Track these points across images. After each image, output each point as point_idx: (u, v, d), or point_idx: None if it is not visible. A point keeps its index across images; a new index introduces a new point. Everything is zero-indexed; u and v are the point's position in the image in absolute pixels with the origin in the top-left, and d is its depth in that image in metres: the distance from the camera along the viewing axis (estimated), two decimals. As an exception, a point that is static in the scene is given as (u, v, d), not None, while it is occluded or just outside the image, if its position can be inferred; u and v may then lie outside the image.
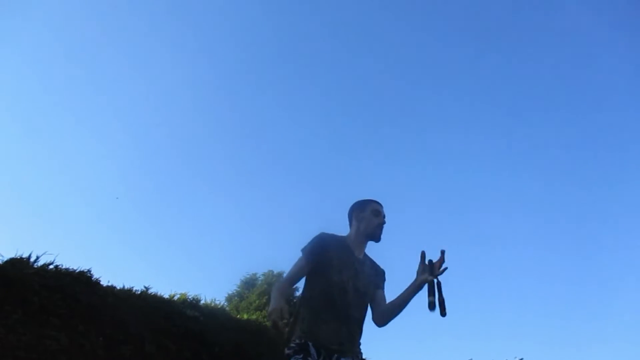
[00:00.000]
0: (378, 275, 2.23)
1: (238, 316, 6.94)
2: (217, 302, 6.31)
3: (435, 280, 1.91)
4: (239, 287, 20.62)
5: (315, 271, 2.07)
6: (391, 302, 2.11)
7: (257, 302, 18.19)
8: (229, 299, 18.38)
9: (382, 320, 2.12)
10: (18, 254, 3.83)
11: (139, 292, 4.48)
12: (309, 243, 2.13)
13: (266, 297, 18.42)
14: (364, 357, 2.11)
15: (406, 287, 2.04)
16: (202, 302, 5.33)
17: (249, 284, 20.39)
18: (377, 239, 2.21)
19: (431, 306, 1.86)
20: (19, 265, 3.70)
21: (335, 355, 1.96)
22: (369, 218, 2.20)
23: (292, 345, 1.98)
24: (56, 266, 3.97)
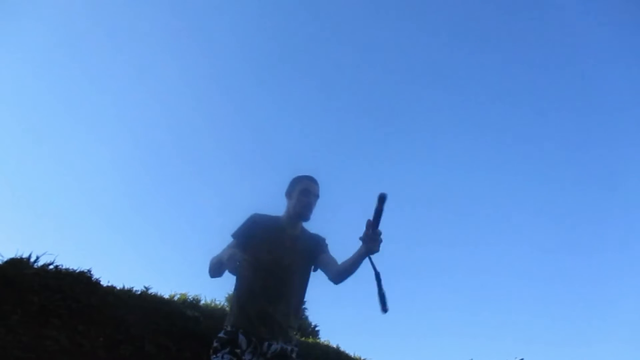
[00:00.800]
0: (319, 245, 2.20)
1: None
2: (217, 302, 6.31)
3: (374, 273, 1.77)
4: (239, 287, 20.60)
5: (246, 254, 2.02)
6: (344, 262, 2.01)
7: (257, 302, 18.17)
8: (229, 299, 18.40)
9: (338, 278, 2.05)
10: (18, 254, 3.83)
11: (139, 292, 4.48)
12: (240, 226, 2.12)
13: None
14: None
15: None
16: (202, 302, 5.33)
17: (249, 284, 20.37)
18: (305, 218, 2.15)
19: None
20: (19, 265, 3.70)
21: (267, 343, 1.96)
22: (296, 197, 2.15)
23: (220, 335, 2.02)
24: (56, 266, 3.97)
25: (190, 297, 5.11)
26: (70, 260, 4.39)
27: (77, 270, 4.07)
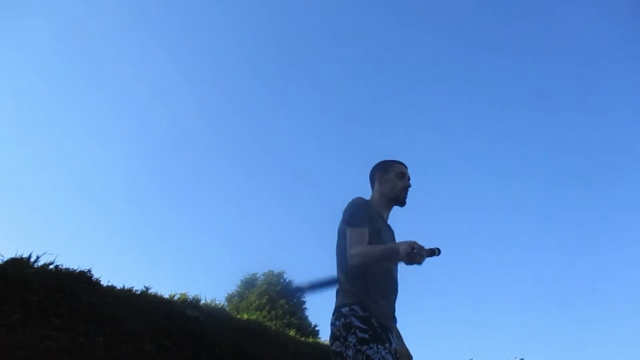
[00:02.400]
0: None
1: (238, 316, 6.94)
2: (217, 302, 6.31)
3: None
4: (239, 287, 20.61)
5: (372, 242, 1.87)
6: None
7: (257, 302, 18.19)
8: (229, 299, 18.39)
9: None
10: (18, 254, 3.82)
11: (139, 292, 4.48)
12: (357, 211, 1.91)
13: (266, 297, 18.44)
14: None
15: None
16: (202, 302, 5.32)
17: (249, 284, 20.38)
18: (402, 202, 2.06)
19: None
20: (19, 265, 3.69)
21: (389, 333, 1.83)
22: (393, 180, 2.05)
23: (363, 326, 1.73)
24: (56, 266, 3.96)
25: (190, 297, 5.11)
26: (70, 260, 4.38)
27: (77, 270, 4.07)
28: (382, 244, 1.90)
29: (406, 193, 2.06)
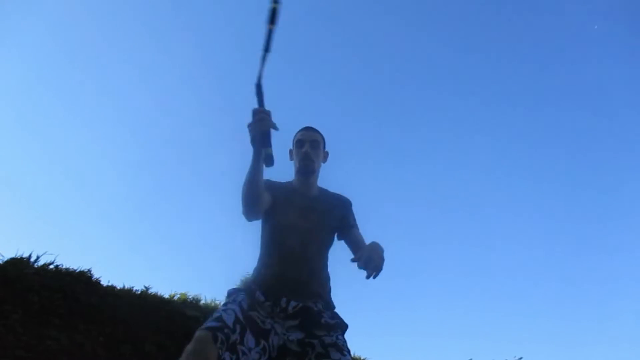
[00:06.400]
0: (344, 209, 1.98)
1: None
2: (217, 302, 6.31)
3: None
4: (239, 287, 20.61)
5: (265, 216, 1.82)
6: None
7: (257, 302, 18.20)
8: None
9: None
10: (18, 254, 3.83)
11: (139, 292, 4.48)
12: None
13: (266, 297, 18.44)
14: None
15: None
16: (202, 302, 5.32)
17: (249, 283, 20.41)
18: (307, 170, 1.90)
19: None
20: (19, 265, 3.70)
21: (285, 299, 1.72)
22: (295, 152, 1.93)
23: (238, 287, 1.81)
24: (56, 266, 3.97)
25: (190, 297, 5.11)
26: (70, 260, 4.38)
27: (77, 270, 4.07)
28: (285, 217, 1.82)
29: (307, 159, 1.89)
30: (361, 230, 2.00)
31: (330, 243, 1.94)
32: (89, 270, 4.16)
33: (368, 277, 1.49)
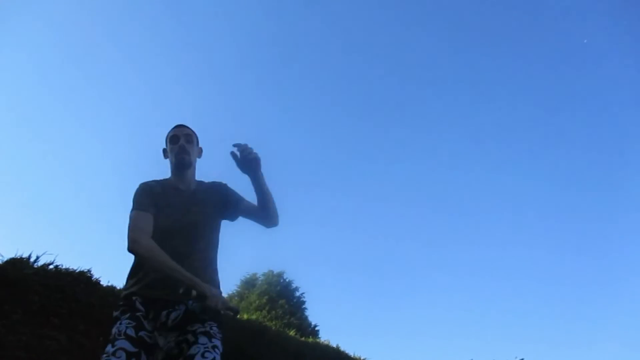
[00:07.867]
0: (223, 192, 2.06)
1: (238, 316, 6.94)
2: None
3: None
4: (239, 287, 20.64)
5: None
6: (257, 201, 1.98)
7: (257, 302, 18.20)
8: (229, 299, 18.39)
9: (266, 220, 2.01)
10: (18, 254, 3.83)
11: (139, 292, 4.48)
12: (139, 197, 1.90)
13: (266, 297, 18.45)
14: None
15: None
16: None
17: (249, 284, 20.41)
18: (182, 164, 1.97)
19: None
20: (19, 265, 3.70)
21: (165, 311, 1.80)
22: (170, 148, 2.01)
23: (119, 303, 1.90)
24: (56, 266, 3.97)
25: (190, 297, 5.11)
26: (70, 260, 4.39)
27: (77, 270, 4.07)
28: (160, 219, 1.87)
29: (182, 152, 1.97)
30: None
31: (217, 230, 2.03)
32: (89, 270, 4.16)
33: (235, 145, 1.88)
